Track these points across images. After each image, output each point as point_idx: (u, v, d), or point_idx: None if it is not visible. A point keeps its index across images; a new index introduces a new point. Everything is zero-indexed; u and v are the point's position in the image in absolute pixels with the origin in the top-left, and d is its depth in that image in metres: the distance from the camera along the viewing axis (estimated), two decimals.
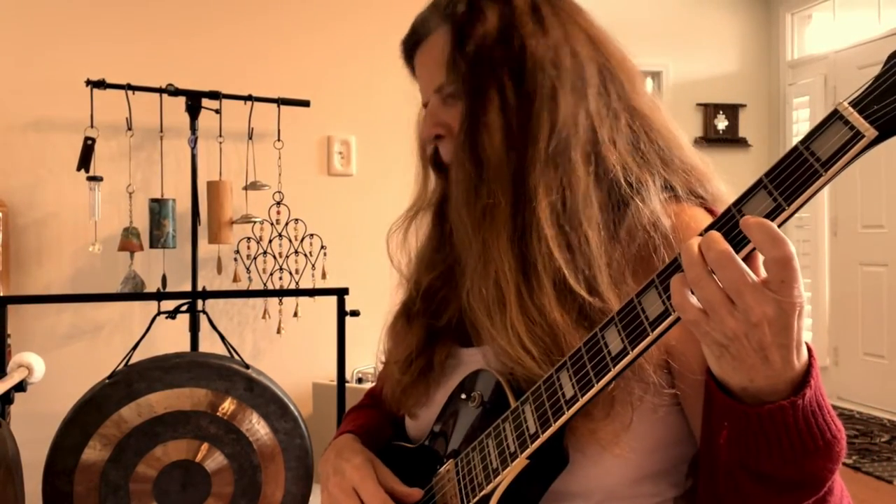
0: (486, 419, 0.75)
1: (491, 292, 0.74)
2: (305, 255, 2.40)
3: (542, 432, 0.67)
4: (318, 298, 2.29)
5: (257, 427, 1.77)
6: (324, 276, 2.39)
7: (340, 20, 2.51)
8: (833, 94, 4.72)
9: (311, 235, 2.39)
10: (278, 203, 2.34)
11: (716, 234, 0.55)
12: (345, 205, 2.52)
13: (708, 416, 0.65)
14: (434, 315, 0.87)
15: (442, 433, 0.83)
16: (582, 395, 0.64)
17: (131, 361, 1.78)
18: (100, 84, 2.12)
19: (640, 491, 0.75)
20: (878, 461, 3.56)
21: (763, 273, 0.55)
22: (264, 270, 2.36)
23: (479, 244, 0.75)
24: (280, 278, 2.38)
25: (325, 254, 2.40)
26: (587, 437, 0.70)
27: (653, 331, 0.59)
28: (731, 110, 5.26)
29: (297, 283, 2.39)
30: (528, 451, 0.68)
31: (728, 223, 0.56)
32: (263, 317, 2.37)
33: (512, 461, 0.69)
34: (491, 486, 0.71)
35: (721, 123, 5.23)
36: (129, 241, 2.18)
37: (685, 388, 0.72)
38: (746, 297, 0.53)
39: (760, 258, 0.57)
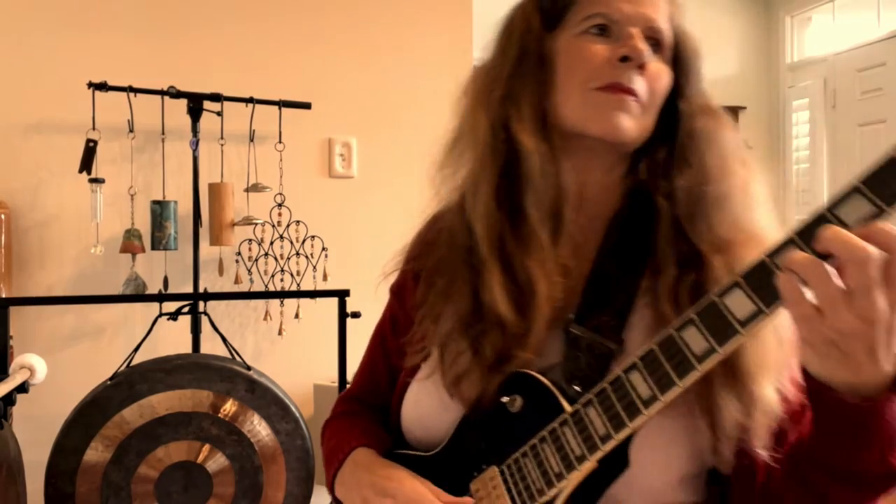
0: (534, 424, 0.73)
1: None
2: (307, 257, 2.40)
3: (617, 434, 0.66)
4: (319, 300, 2.29)
5: (259, 428, 1.78)
6: (325, 277, 2.39)
7: (341, 23, 2.51)
8: (833, 96, 4.73)
9: (313, 237, 2.40)
10: (279, 205, 2.35)
11: (845, 233, 0.54)
12: (346, 207, 2.53)
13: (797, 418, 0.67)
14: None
15: (470, 439, 0.79)
16: (662, 395, 0.63)
17: (133, 363, 1.78)
18: (101, 86, 2.13)
19: (677, 495, 0.75)
20: None
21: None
22: (265, 272, 2.36)
23: None
24: (281, 280, 2.38)
25: (326, 255, 2.40)
26: (637, 439, 0.69)
27: (744, 329, 0.59)
28: (731, 112, 5.18)
29: (298, 285, 2.39)
30: (598, 454, 0.67)
31: (817, 224, 0.56)
32: (265, 318, 2.37)
33: (580, 464, 0.68)
34: (554, 490, 0.69)
35: None
36: (130, 242, 2.18)
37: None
38: (873, 294, 0.54)
39: None
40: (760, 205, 0.77)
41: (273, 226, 2.36)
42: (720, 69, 5.30)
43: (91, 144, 2.12)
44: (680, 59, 0.82)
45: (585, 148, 0.80)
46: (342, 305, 2.00)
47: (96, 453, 1.71)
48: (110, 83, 2.13)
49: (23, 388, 1.66)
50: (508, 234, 0.80)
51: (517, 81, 0.81)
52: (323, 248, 2.40)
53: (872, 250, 0.53)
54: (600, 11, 0.78)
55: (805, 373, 0.62)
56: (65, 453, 1.70)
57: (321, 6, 2.50)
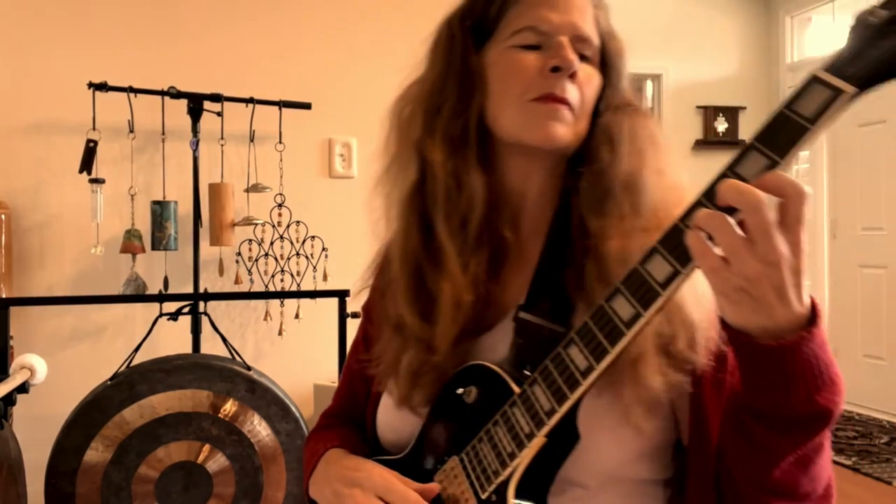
0: (488, 410, 0.75)
1: None
2: (307, 257, 2.40)
3: (560, 407, 0.68)
4: (319, 300, 2.29)
5: (259, 428, 1.78)
6: (325, 277, 2.40)
7: (342, 23, 2.52)
8: None
9: (313, 237, 2.40)
10: (280, 205, 2.35)
11: (738, 182, 0.58)
12: (346, 207, 2.53)
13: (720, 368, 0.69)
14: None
15: (434, 435, 0.82)
16: (598, 364, 0.66)
17: (133, 363, 1.78)
18: (102, 87, 2.13)
19: (636, 472, 0.77)
20: (878, 462, 3.57)
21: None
22: (266, 272, 2.37)
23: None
24: (281, 280, 2.38)
25: (326, 256, 2.40)
26: (587, 418, 0.72)
27: (664, 291, 0.62)
28: (731, 113, 5.27)
29: (298, 285, 2.39)
30: (545, 429, 0.69)
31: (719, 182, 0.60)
32: (265, 318, 2.37)
33: (529, 441, 0.70)
34: (508, 469, 0.71)
35: (721, 126, 5.24)
36: (131, 243, 2.18)
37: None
38: (772, 238, 0.57)
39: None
40: (672, 189, 0.80)
41: (273, 226, 2.36)
42: (720, 70, 5.31)
43: (91, 145, 2.12)
44: (605, 60, 0.85)
45: (524, 154, 0.84)
46: (342, 306, 2.00)
47: (97, 453, 1.71)
48: (110, 83, 2.13)
49: (23, 388, 1.66)
50: (421, 249, 0.84)
51: (436, 98, 0.85)
52: (323, 249, 2.41)
53: (763, 195, 0.57)
54: (529, 24, 0.81)
55: (724, 324, 0.64)
56: (65, 453, 1.70)
57: (322, 7, 2.51)
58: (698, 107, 5.25)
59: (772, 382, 0.62)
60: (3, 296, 2.07)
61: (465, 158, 0.83)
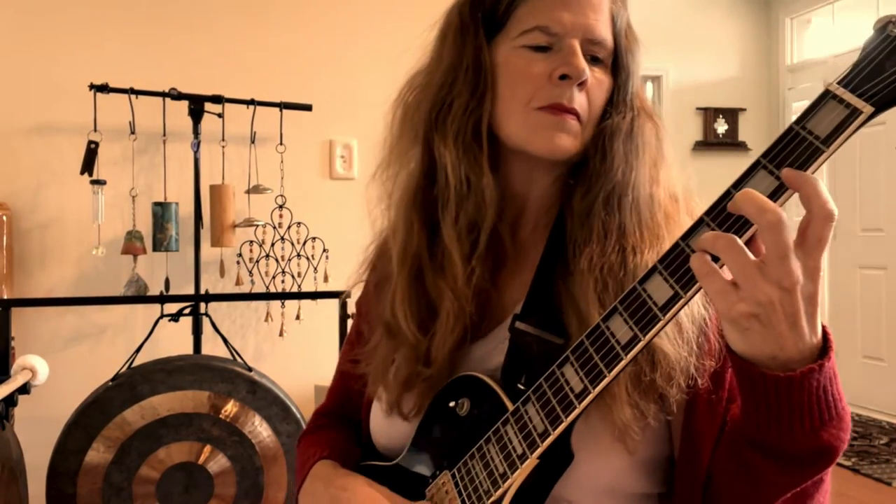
0: (480, 425, 0.73)
1: None
2: (308, 259, 2.41)
3: (553, 429, 0.66)
4: (319, 301, 2.29)
5: (260, 429, 1.78)
6: (326, 279, 2.40)
7: (342, 25, 2.52)
8: None
9: (314, 239, 2.40)
10: (280, 206, 2.35)
11: (758, 194, 0.54)
12: (347, 208, 2.52)
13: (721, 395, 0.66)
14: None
15: (425, 445, 0.80)
16: (593, 387, 0.63)
17: (134, 364, 1.79)
18: (103, 88, 2.13)
19: (629, 486, 0.75)
20: (877, 463, 3.57)
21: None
22: (266, 273, 2.37)
23: None
24: (282, 281, 2.39)
25: (326, 257, 2.41)
26: (579, 436, 0.69)
27: (664, 315, 0.59)
28: (731, 114, 5.27)
29: (299, 286, 2.39)
30: (538, 451, 0.66)
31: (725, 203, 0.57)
32: (266, 319, 2.37)
33: (521, 463, 0.67)
34: (500, 491, 0.69)
35: (721, 127, 5.25)
36: (132, 244, 2.18)
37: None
38: (789, 260, 0.53)
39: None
40: (664, 201, 0.77)
41: (274, 227, 2.36)
42: (720, 71, 5.31)
43: (92, 146, 2.12)
44: (617, 60, 0.81)
45: (528, 160, 0.81)
46: (343, 307, 2.01)
47: (98, 454, 1.71)
48: (112, 85, 2.13)
49: (24, 389, 1.66)
50: (424, 251, 0.81)
51: (448, 93, 0.81)
52: (324, 250, 2.41)
53: (784, 215, 0.53)
54: (539, 24, 0.77)
55: (730, 352, 0.61)
56: (66, 454, 1.70)
57: (322, 8, 2.51)
58: (698, 108, 5.26)
59: (776, 414, 0.59)
60: (5, 297, 2.07)
61: (477, 161, 0.79)
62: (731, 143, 5.18)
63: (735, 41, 5.33)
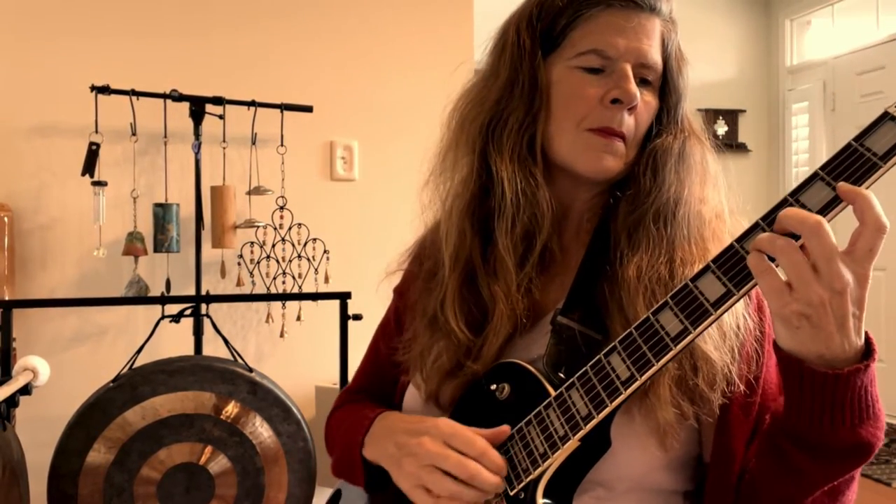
0: (522, 409, 0.76)
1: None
2: (308, 260, 2.41)
3: (598, 413, 0.69)
4: (320, 302, 2.30)
5: (260, 430, 1.79)
6: (326, 280, 2.40)
7: (343, 26, 2.52)
8: (832, 99, 4.74)
9: (314, 240, 2.41)
10: (281, 208, 2.36)
11: (797, 210, 0.59)
12: (347, 209, 2.53)
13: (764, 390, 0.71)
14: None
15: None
16: (640, 375, 0.66)
17: (135, 365, 1.79)
18: (104, 90, 2.14)
19: (661, 480, 0.78)
20: (877, 464, 3.57)
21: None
22: (267, 274, 2.37)
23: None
24: (283, 282, 2.39)
25: (327, 258, 2.41)
26: (620, 425, 0.73)
27: (716, 310, 0.62)
28: (731, 116, 5.28)
29: (299, 287, 2.40)
30: (581, 433, 0.70)
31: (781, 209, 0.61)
32: (266, 321, 2.38)
33: (563, 444, 0.70)
34: (539, 469, 0.72)
35: (720, 129, 5.25)
36: (133, 245, 2.19)
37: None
38: (836, 264, 0.57)
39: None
40: (712, 220, 0.81)
41: (275, 228, 2.37)
42: (720, 72, 5.32)
43: (94, 147, 2.12)
44: (666, 81, 0.86)
45: (573, 175, 0.84)
46: (343, 308, 2.01)
47: (99, 455, 1.71)
48: (113, 86, 2.14)
49: (26, 389, 1.66)
50: (477, 256, 0.85)
51: (504, 107, 0.84)
52: (324, 251, 2.41)
53: (825, 220, 0.57)
54: (594, 48, 0.80)
55: (777, 348, 0.65)
56: (67, 455, 1.70)
57: (323, 10, 2.51)
58: (698, 109, 5.25)
59: (819, 410, 0.63)
60: (6, 298, 2.08)
61: (533, 175, 0.83)
62: (730, 144, 5.18)
63: (735, 42, 5.33)
